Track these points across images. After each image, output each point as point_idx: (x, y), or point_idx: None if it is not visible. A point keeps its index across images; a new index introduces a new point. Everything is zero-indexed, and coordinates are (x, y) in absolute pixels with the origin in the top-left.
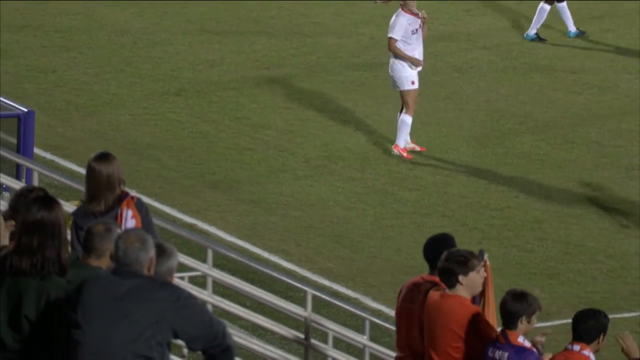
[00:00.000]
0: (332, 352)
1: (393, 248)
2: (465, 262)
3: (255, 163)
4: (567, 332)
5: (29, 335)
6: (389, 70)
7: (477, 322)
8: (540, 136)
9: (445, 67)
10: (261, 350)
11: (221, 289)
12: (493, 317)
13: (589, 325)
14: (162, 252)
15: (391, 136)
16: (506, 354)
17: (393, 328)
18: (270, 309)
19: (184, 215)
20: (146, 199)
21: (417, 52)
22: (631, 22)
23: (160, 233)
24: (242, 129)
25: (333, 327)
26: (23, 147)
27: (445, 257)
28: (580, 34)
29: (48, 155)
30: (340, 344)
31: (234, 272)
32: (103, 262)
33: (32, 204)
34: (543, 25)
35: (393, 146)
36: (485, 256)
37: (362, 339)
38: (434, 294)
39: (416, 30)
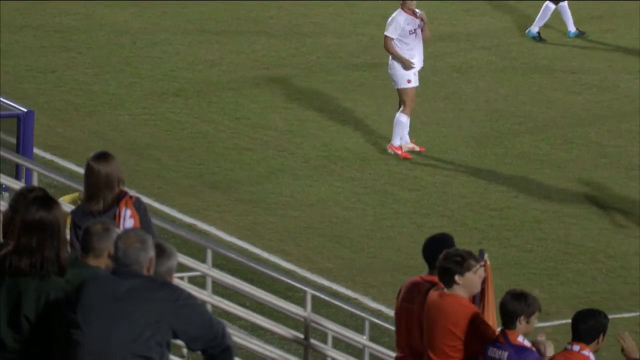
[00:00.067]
0: (331, 352)
1: (393, 248)
2: (461, 262)
3: (254, 163)
4: (566, 332)
5: (29, 335)
6: (388, 69)
7: (474, 322)
8: (539, 136)
9: (444, 67)
10: (260, 350)
11: (221, 289)
12: (493, 318)
13: (588, 325)
14: (161, 252)
15: (390, 136)
16: (506, 354)
17: (393, 328)
18: (269, 309)
19: (184, 216)
20: (145, 199)
21: (417, 52)
22: (631, 22)
23: (159, 233)
24: (242, 129)
25: (332, 327)
26: (22, 147)
27: (443, 257)
28: (580, 34)
29: (47, 155)
30: (340, 344)
31: (233, 272)
32: (101, 262)
33: (31, 204)
34: (544, 24)
35: (388, 145)
36: (486, 256)
37: (362, 339)
38: (433, 294)
39: (414, 30)
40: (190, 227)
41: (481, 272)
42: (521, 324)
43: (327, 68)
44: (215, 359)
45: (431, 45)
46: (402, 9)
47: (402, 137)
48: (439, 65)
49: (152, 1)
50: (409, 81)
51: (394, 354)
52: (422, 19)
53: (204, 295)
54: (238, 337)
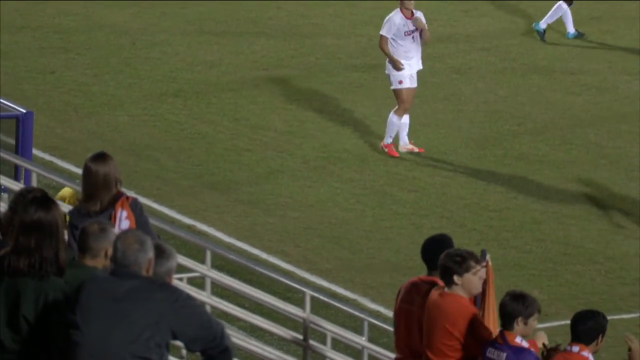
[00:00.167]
0: (330, 353)
1: (392, 249)
2: (461, 262)
3: (254, 164)
4: (565, 333)
5: (28, 335)
6: (385, 69)
7: (472, 323)
8: (538, 137)
9: (443, 68)
10: (260, 351)
11: (220, 290)
12: (494, 319)
13: (587, 326)
14: (161, 253)
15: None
16: (504, 355)
17: (391, 329)
18: (268, 310)
19: (183, 216)
20: (145, 200)
21: (414, 54)
22: (630, 23)
23: (158, 234)
24: (241, 130)
25: (331, 328)
26: (22, 148)
27: (444, 255)
28: (579, 35)
29: (47, 156)
30: (339, 345)
31: (232, 273)
32: (98, 262)
33: (30, 204)
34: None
35: (381, 144)
36: (488, 257)
37: (361, 340)
38: (434, 293)
39: (411, 32)
40: (190, 228)
41: (482, 273)
42: (519, 325)
43: (327, 69)
44: None
45: (430, 46)
46: (400, 9)
47: (391, 136)
48: (438, 67)
49: (151, 2)
50: (400, 82)
51: (393, 355)
52: (415, 25)
53: (203, 296)
54: (237, 338)
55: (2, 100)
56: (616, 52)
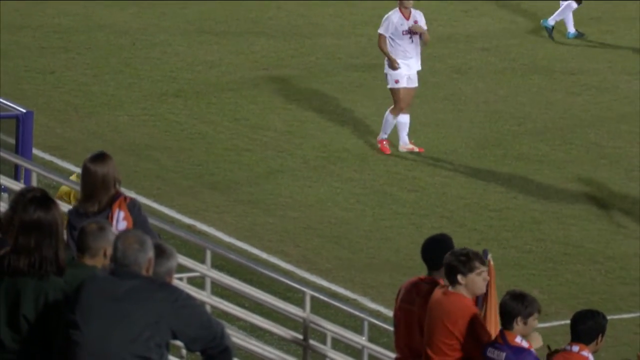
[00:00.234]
0: (330, 352)
1: (392, 249)
2: (466, 261)
3: (253, 164)
4: (565, 333)
5: (28, 335)
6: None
7: (472, 323)
8: (538, 137)
9: (443, 68)
10: (260, 351)
11: (220, 290)
12: (496, 320)
13: (587, 326)
14: (161, 252)
15: (390, 137)
16: (504, 354)
17: (391, 329)
18: (268, 310)
19: (183, 216)
20: (145, 200)
21: (413, 54)
22: (630, 23)
23: (158, 234)
24: (241, 130)
25: (332, 328)
26: (22, 148)
27: (449, 254)
28: (579, 35)
29: (47, 156)
30: (339, 345)
31: (232, 273)
32: (98, 261)
33: (29, 204)
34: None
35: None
36: (489, 256)
37: (361, 340)
38: (437, 291)
39: (408, 31)
40: (190, 228)
41: (486, 274)
42: (518, 325)
43: (326, 69)
44: None
45: (430, 46)
46: (399, 8)
47: (386, 132)
48: (438, 67)
49: (151, 2)
50: (397, 81)
51: (393, 355)
52: (412, 29)
53: (203, 295)
54: (237, 337)
55: (2, 100)
56: (616, 52)
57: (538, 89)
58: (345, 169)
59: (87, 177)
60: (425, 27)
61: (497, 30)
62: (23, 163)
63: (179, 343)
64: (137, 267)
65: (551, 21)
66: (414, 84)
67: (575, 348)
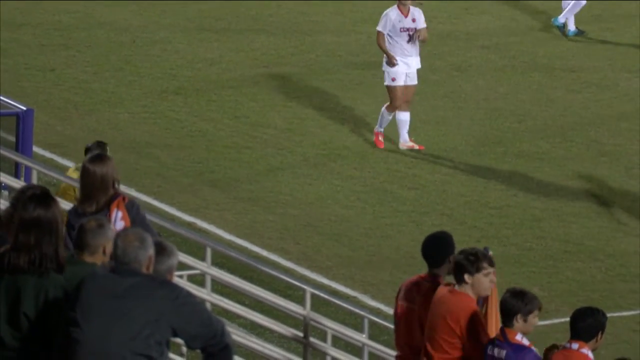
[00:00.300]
0: (331, 350)
1: (392, 246)
2: (474, 261)
3: (254, 161)
4: (565, 330)
5: (28, 332)
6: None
7: (473, 322)
8: (539, 135)
9: (444, 65)
10: (260, 348)
11: (220, 288)
12: (497, 318)
13: (587, 323)
14: (162, 250)
15: (390, 134)
16: (504, 352)
17: (392, 326)
18: (269, 307)
19: (183, 214)
20: (145, 197)
21: (412, 52)
22: (630, 21)
23: (158, 231)
24: (241, 128)
25: (332, 326)
26: (22, 146)
27: (459, 252)
28: (580, 33)
29: (47, 154)
30: (339, 342)
31: (232, 271)
32: (97, 259)
33: (29, 201)
34: (543, 23)
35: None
36: (490, 254)
37: (361, 337)
38: (443, 289)
39: (406, 29)
40: (190, 226)
41: (493, 276)
42: (518, 322)
43: (327, 66)
44: (215, 358)
45: (430, 43)
46: (397, 5)
47: (382, 125)
48: (438, 64)
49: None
50: (393, 79)
51: (393, 352)
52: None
53: (203, 293)
54: (237, 335)
55: (2, 98)
56: (616, 50)
57: (538, 86)
58: (346, 166)
59: (86, 177)
60: (424, 25)
61: (497, 28)
62: (23, 161)
63: (179, 341)
64: (138, 264)
65: (561, 19)
66: (414, 81)
67: (575, 345)
